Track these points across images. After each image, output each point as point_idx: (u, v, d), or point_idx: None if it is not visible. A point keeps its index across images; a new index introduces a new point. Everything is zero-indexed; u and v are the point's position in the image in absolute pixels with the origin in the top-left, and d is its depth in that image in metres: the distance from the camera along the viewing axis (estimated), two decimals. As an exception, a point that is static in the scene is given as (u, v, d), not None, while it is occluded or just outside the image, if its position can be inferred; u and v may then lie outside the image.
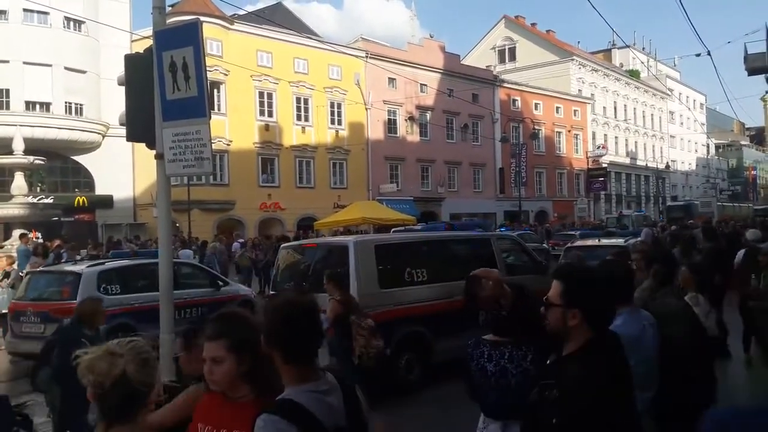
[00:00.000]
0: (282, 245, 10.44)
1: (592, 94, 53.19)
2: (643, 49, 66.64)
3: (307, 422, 1.79)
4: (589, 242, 13.17)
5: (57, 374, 4.52)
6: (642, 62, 58.17)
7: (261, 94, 31.04)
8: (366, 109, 34.69)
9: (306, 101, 32.71)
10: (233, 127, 29.06)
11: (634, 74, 61.40)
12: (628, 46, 57.63)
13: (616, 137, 56.83)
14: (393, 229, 19.66)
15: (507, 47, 56.63)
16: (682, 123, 69.64)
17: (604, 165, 51.06)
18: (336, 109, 34.02)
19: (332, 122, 33.85)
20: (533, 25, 58.08)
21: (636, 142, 60.32)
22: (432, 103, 37.95)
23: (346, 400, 1.95)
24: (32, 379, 6.39)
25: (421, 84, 36.22)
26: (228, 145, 28.58)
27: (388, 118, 36.22)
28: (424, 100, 37.39)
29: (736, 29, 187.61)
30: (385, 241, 9.08)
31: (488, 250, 9.06)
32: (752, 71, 21.60)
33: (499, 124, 42.14)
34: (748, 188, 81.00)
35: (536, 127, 44.79)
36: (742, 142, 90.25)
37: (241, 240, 22.56)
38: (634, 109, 60.81)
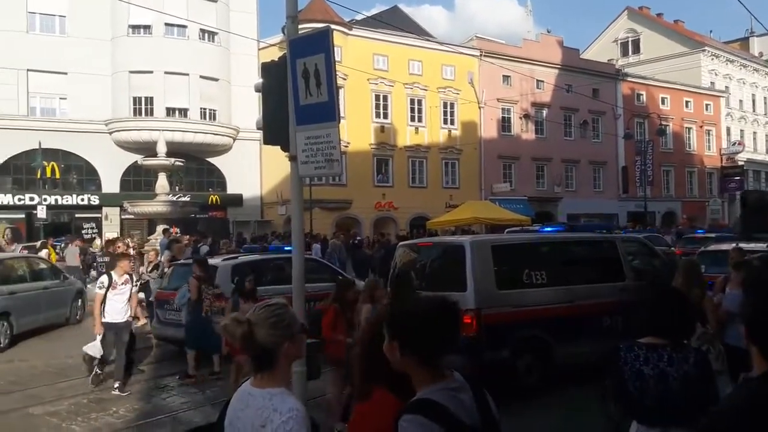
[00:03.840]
0: (399, 243, 10.67)
1: (727, 87, 48.92)
2: (789, 34, 60.23)
3: (448, 420, 1.80)
4: (724, 247, 12.19)
5: None
6: (788, 49, 52.63)
7: (377, 97, 31.77)
8: (479, 107, 34.37)
9: (420, 102, 33.02)
10: (351, 129, 29.99)
11: (777, 63, 55.72)
12: (770, 33, 52.35)
13: (754, 132, 51.89)
14: (507, 230, 19.37)
15: (630, 39, 53.52)
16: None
17: (741, 163, 46.83)
18: (449, 109, 34.03)
19: (445, 122, 33.89)
20: (659, 15, 54.40)
21: (779, 137, 54.70)
22: (549, 99, 36.80)
23: (477, 398, 1.96)
24: None
25: (537, 80, 35.24)
26: (346, 146, 29.54)
27: (502, 117, 35.61)
28: (540, 97, 36.36)
29: None
30: (503, 241, 8.99)
31: (613, 253, 8.69)
32: None
33: (622, 119, 39.95)
34: None
35: (663, 122, 41.88)
36: None
37: (359, 238, 23.20)
38: (777, 101, 55.16)
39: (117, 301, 8.29)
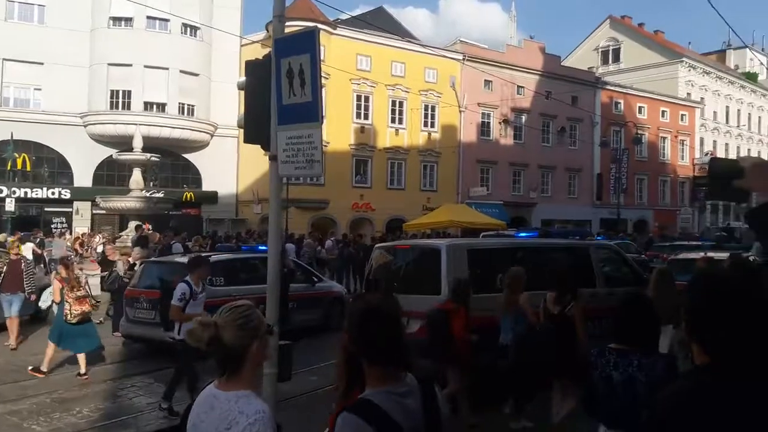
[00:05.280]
0: (376, 245, 10.71)
1: (702, 98, 49.93)
2: (763, 49, 61.69)
3: (383, 422, 1.85)
4: (693, 255, 12.47)
5: None
6: (761, 63, 53.86)
7: (359, 97, 31.76)
8: (460, 111, 34.58)
9: (401, 104, 33.10)
10: (331, 129, 29.88)
11: (750, 77, 57.03)
12: (746, 46, 53.57)
13: (726, 144, 53.04)
14: (482, 234, 19.55)
15: (611, 48, 54.37)
16: (804, 130, 63.84)
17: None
18: (429, 112, 34.16)
19: (425, 125, 34.02)
20: (640, 25, 55.34)
21: (749, 149, 55.87)
22: (528, 105, 37.18)
23: (425, 402, 1.99)
24: None
25: (518, 86, 35.57)
26: (326, 146, 29.34)
27: (482, 121, 35.87)
28: (520, 103, 36.71)
29: None
30: (479, 245, 9.09)
31: (585, 260, 8.84)
32: None
33: (599, 127, 40.55)
34: None
35: (639, 131, 42.62)
36: None
37: (334, 238, 23.19)
38: (749, 114, 56.44)
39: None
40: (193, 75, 29.39)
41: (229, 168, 30.79)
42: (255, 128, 5.27)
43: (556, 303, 6.22)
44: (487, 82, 35.06)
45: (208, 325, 2.08)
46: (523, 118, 37.43)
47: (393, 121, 32.93)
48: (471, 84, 34.46)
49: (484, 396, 6.56)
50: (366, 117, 32.02)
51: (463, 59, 34.10)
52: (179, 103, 29.15)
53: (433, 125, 34.27)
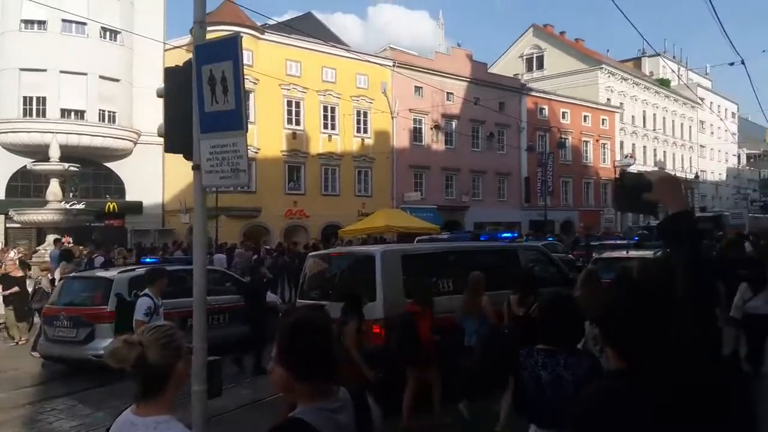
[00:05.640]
0: (309, 254, 10.56)
1: (621, 103, 52.57)
2: (674, 57, 65.71)
3: None
4: (617, 254, 13.02)
5: None
6: (672, 71, 57.32)
7: (289, 103, 31.42)
8: (392, 117, 34.84)
9: (333, 110, 33.00)
10: (261, 135, 29.44)
11: (664, 83, 60.54)
12: (658, 55, 56.90)
13: (644, 147, 56.03)
14: (417, 238, 19.72)
15: (535, 55, 56.38)
16: (712, 132, 68.37)
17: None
18: (362, 118, 34.24)
19: (358, 131, 34.06)
20: (562, 33, 57.74)
21: (665, 151, 59.37)
22: (458, 111, 37.93)
23: (358, 415, 1.95)
24: None
25: (447, 93, 36.22)
26: (256, 153, 28.96)
27: (414, 127, 36.30)
28: (450, 109, 37.40)
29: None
30: (413, 251, 9.12)
31: (515, 261, 9.05)
32: (787, 80, 21.05)
33: (526, 133, 41.88)
34: (781, 199, 78.99)
35: (563, 136, 44.42)
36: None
37: (267, 246, 22.78)
38: (664, 118, 59.90)
39: None
40: (114, 81, 28.21)
41: (155, 177, 29.67)
42: (177, 137, 5.05)
43: (520, 305, 6.34)
44: (418, 89, 35.51)
45: (134, 344, 2.01)
46: (454, 123, 38.15)
47: (325, 126, 32.78)
48: (402, 90, 34.80)
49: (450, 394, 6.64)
50: (298, 123, 31.71)
51: (394, 66, 34.42)
52: (100, 110, 27.89)
53: (366, 131, 34.35)
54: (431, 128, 36.87)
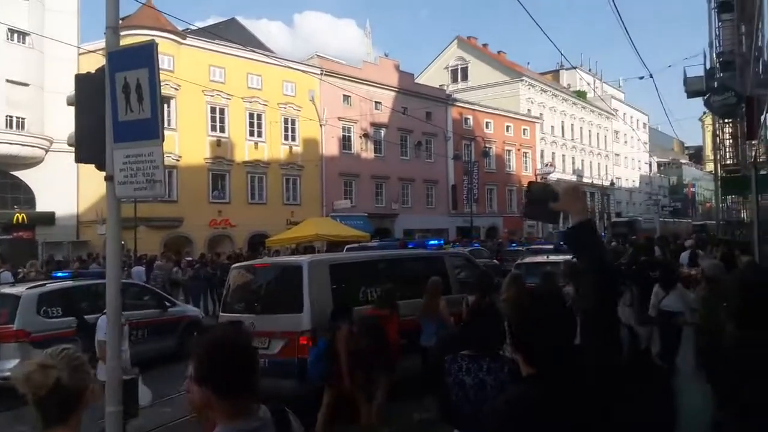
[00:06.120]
0: (233, 265, 10.28)
1: (541, 114, 54.74)
2: (590, 70, 69.18)
3: None
4: (538, 259, 13.51)
5: None
6: (588, 83, 60.36)
7: (213, 110, 30.67)
8: (320, 125, 34.70)
9: (259, 117, 32.49)
10: (183, 142, 28.54)
11: (580, 95, 63.59)
12: (574, 68, 59.67)
13: (563, 155, 58.54)
14: (347, 247, 19.68)
15: (460, 67, 57.84)
16: (626, 142, 72.34)
17: (552, 182, 52.36)
18: (290, 125, 33.90)
19: (286, 138, 33.69)
20: (485, 45, 59.55)
21: (582, 160, 62.30)
22: (386, 120, 38.30)
23: None
24: None
25: (375, 102, 36.49)
26: (177, 160, 28.04)
27: (343, 135, 36.32)
28: (378, 118, 37.69)
29: (677, 53, 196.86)
30: (340, 260, 9.08)
31: (441, 268, 9.19)
32: (691, 94, 22.57)
33: (452, 142, 42.86)
34: (687, 204, 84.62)
35: (487, 145, 45.81)
36: (682, 161, 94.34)
37: (189, 258, 22.07)
38: (581, 128, 62.88)
39: None
40: (23, 85, 26.53)
41: (68, 186, 27.93)
42: (88, 146, 4.80)
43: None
44: (346, 97, 35.58)
45: (51, 367, 1.93)
46: (382, 132, 38.48)
47: (251, 134, 32.22)
48: (330, 98, 34.76)
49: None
50: (222, 130, 30.99)
51: (321, 74, 34.34)
52: (6, 116, 26.13)
53: (294, 138, 34.03)
54: (360, 137, 37.02)
